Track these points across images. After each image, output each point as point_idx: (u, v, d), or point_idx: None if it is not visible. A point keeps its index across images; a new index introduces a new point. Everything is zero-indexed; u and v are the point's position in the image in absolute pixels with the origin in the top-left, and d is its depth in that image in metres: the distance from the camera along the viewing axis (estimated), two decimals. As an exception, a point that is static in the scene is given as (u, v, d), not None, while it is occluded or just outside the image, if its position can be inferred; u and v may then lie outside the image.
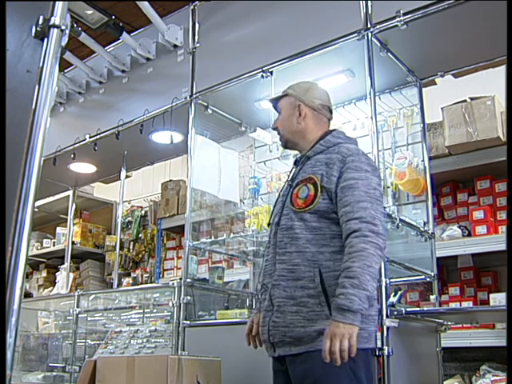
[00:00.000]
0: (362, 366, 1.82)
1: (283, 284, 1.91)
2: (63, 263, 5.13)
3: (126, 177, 4.41)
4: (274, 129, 2.16)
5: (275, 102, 2.20)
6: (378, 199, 1.88)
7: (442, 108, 3.43)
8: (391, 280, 2.35)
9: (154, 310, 3.72)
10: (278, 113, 2.16)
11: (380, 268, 2.29)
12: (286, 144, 2.15)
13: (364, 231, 1.79)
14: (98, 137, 3.95)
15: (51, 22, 1.11)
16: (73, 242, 5.13)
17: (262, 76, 2.99)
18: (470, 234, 3.29)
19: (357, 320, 1.71)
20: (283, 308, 1.89)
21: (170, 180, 5.25)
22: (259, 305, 2.09)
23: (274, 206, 2.13)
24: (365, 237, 1.78)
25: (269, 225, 2.14)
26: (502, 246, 2.80)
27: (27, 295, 5.22)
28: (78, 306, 3.71)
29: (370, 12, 2.65)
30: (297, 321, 1.85)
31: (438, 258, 2.87)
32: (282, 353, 1.89)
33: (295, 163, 2.13)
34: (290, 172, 2.13)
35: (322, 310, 1.82)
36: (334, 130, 2.12)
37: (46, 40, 1.11)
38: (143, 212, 5.68)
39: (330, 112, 2.14)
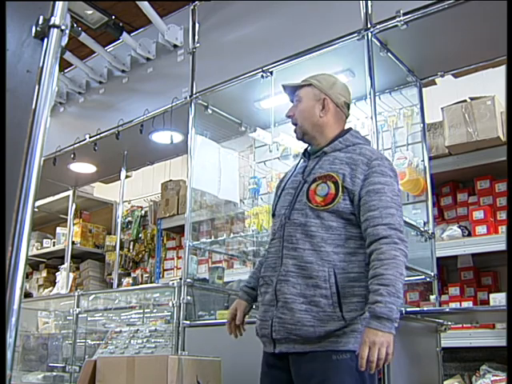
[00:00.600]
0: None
1: (292, 280, 1.87)
2: (63, 263, 5.13)
3: (126, 177, 4.41)
4: (289, 116, 2.06)
5: (292, 89, 2.10)
6: (400, 205, 1.87)
7: (442, 108, 3.43)
8: (391, 280, 2.34)
9: (154, 310, 3.72)
10: (294, 101, 2.07)
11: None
12: (303, 136, 2.04)
13: (394, 238, 1.79)
14: (98, 137, 3.95)
15: (51, 22, 1.11)
16: (73, 242, 5.13)
17: (262, 76, 2.99)
18: (470, 234, 3.29)
19: (393, 328, 1.70)
20: (291, 305, 1.85)
21: (170, 180, 5.25)
22: (247, 296, 2.09)
23: (279, 197, 2.06)
24: (395, 244, 1.78)
25: (273, 216, 2.06)
26: (502, 246, 2.80)
27: (27, 295, 5.22)
28: (78, 306, 3.71)
29: (370, 12, 2.65)
30: (306, 320, 1.82)
31: (438, 258, 2.87)
32: (284, 350, 1.87)
33: (305, 155, 2.06)
34: (297, 164, 2.07)
35: (333, 311, 1.80)
36: (350, 128, 2.07)
37: (46, 40, 1.11)
38: (143, 212, 5.68)
39: (349, 109, 2.11)
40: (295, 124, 2.05)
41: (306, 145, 2.10)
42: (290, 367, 1.88)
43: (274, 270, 1.94)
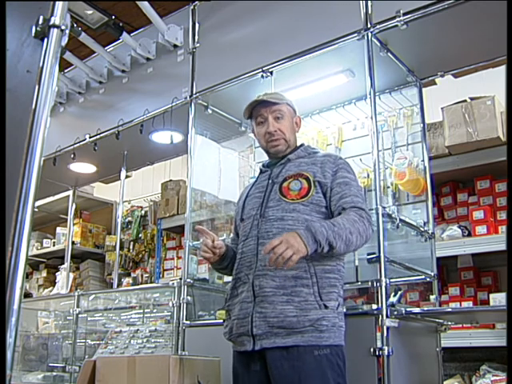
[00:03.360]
0: (344, 362, 1.91)
1: (271, 274, 1.93)
2: (63, 263, 5.13)
3: (126, 177, 4.41)
4: (275, 131, 2.14)
5: (265, 104, 2.18)
6: (364, 198, 2.11)
7: (442, 108, 3.43)
8: (391, 280, 2.35)
9: (154, 310, 3.72)
10: (271, 116, 2.15)
11: (380, 268, 2.30)
12: (286, 149, 2.18)
13: (364, 216, 1.96)
14: (98, 137, 3.95)
15: (51, 22, 1.11)
16: (73, 242, 5.13)
17: (262, 76, 2.98)
18: (470, 234, 3.29)
19: (310, 249, 1.80)
20: (272, 298, 1.90)
21: (170, 180, 5.25)
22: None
23: (243, 204, 2.17)
24: (362, 219, 1.95)
25: (242, 220, 2.15)
26: (502, 246, 2.80)
27: (27, 295, 5.23)
28: (78, 306, 3.71)
29: (370, 12, 2.65)
30: (288, 310, 1.87)
31: (438, 258, 2.87)
32: (265, 345, 1.88)
33: (266, 166, 2.22)
34: (262, 173, 2.22)
35: (315, 300, 1.88)
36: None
37: (45, 40, 1.11)
38: (143, 212, 5.68)
39: None
40: (282, 139, 2.16)
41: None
42: (266, 365, 1.90)
43: (249, 268, 2.00)
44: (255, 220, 2.05)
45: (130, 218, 5.70)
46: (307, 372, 1.82)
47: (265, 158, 2.37)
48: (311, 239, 1.81)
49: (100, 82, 4.07)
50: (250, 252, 2.02)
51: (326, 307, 1.88)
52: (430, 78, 3.05)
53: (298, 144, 2.25)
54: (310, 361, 1.83)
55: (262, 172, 2.23)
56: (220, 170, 3.41)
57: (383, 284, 2.27)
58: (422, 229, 2.81)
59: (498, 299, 2.94)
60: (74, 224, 5.19)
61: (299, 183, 2.03)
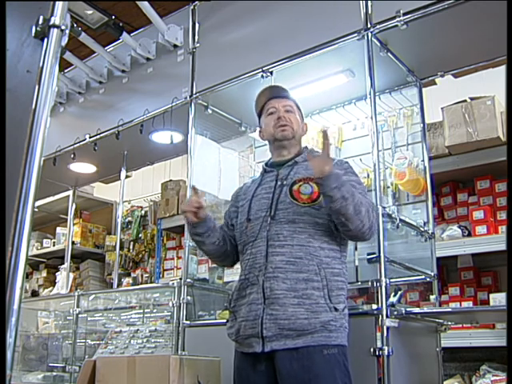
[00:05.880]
0: (348, 363, 1.93)
1: (282, 276, 1.93)
2: (63, 263, 5.13)
3: (126, 177, 4.41)
4: (284, 117, 2.17)
5: (285, 93, 2.24)
6: (368, 195, 2.12)
7: (442, 108, 3.43)
8: (391, 280, 2.35)
9: (154, 310, 3.72)
10: (282, 107, 2.18)
11: (380, 268, 2.31)
12: (291, 138, 2.18)
13: (372, 207, 2.01)
14: (98, 137, 3.95)
15: (51, 22, 1.11)
16: (73, 242, 5.13)
17: (262, 76, 2.99)
18: (470, 234, 3.29)
19: (331, 182, 1.88)
20: (283, 300, 1.90)
21: (170, 180, 5.25)
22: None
23: (250, 204, 2.14)
24: (370, 208, 1.98)
25: (248, 220, 2.12)
26: (502, 246, 2.80)
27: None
28: (78, 306, 3.71)
29: (370, 12, 2.65)
30: (299, 313, 1.88)
31: (438, 258, 2.87)
32: (275, 347, 1.89)
33: (271, 166, 2.21)
34: (262, 176, 2.21)
35: (325, 303, 1.90)
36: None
37: (45, 40, 1.11)
38: (143, 212, 5.68)
39: None
40: (290, 126, 2.17)
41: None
42: (272, 366, 1.91)
43: (258, 270, 1.99)
44: (265, 221, 2.05)
45: (130, 218, 5.70)
46: (316, 372, 1.84)
47: (264, 157, 2.38)
48: (336, 186, 1.87)
49: (100, 82, 4.07)
50: (260, 253, 2.01)
51: (336, 310, 1.91)
52: (430, 78, 3.06)
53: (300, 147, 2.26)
54: (319, 360, 1.85)
55: (266, 172, 2.22)
56: (220, 170, 3.41)
57: (383, 284, 2.27)
58: (422, 229, 2.81)
59: (498, 299, 2.94)
60: (74, 224, 5.19)
61: (310, 187, 2.04)
